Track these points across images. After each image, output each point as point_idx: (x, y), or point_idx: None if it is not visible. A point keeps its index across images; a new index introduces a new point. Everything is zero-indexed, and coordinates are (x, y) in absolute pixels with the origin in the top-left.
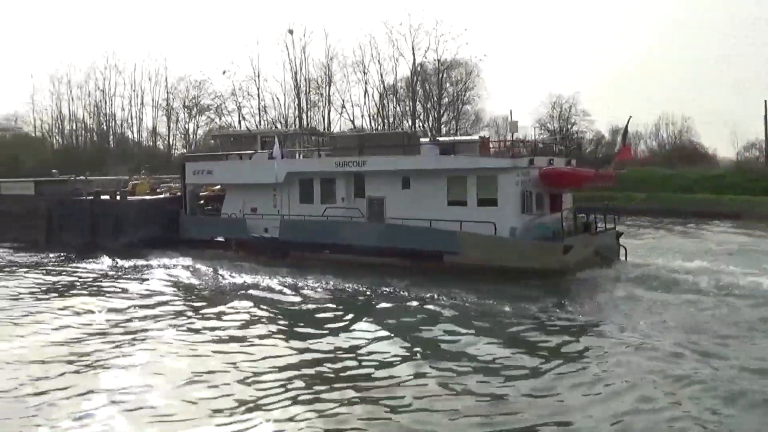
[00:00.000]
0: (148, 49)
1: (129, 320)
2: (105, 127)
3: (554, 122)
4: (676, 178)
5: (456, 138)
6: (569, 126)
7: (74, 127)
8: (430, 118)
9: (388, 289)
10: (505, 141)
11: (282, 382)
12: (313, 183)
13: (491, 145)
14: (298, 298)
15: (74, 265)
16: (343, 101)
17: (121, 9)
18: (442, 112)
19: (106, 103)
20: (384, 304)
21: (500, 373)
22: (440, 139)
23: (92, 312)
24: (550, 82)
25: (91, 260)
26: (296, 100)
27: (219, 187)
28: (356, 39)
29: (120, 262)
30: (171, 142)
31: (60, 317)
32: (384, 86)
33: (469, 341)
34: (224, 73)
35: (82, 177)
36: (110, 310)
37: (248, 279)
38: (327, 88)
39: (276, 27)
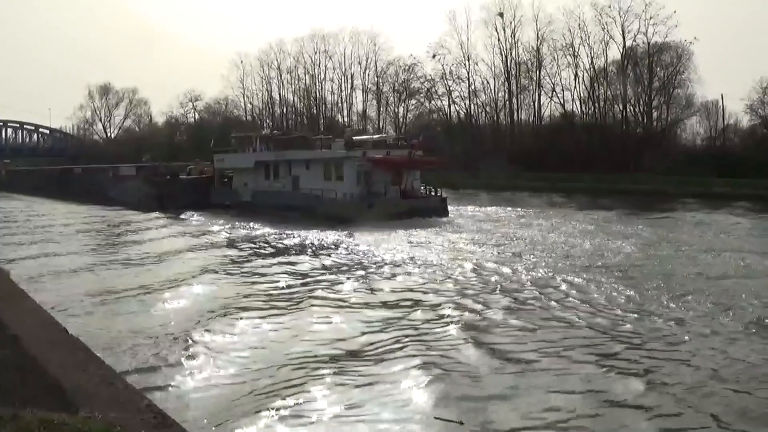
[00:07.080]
0: (356, 32)
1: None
2: (315, 111)
3: (766, 108)
4: None
5: (359, 138)
6: None
7: (284, 111)
8: (641, 102)
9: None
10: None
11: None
12: (269, 167)
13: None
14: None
15: (148, 215)
16: (554, 85)
17: None
18: (653, 96)
19: (315, 87)
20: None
21: None
22: (355, 138)
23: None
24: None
25: (157, 214)
26: (506, 83)
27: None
28: (566, 22)
29: (172, 214)
30: (381, 126)
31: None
32: (594, 70)
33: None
34: (434, 56)
35: (158, 163)
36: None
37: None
38: (537, 72)
39: (486, 10)
